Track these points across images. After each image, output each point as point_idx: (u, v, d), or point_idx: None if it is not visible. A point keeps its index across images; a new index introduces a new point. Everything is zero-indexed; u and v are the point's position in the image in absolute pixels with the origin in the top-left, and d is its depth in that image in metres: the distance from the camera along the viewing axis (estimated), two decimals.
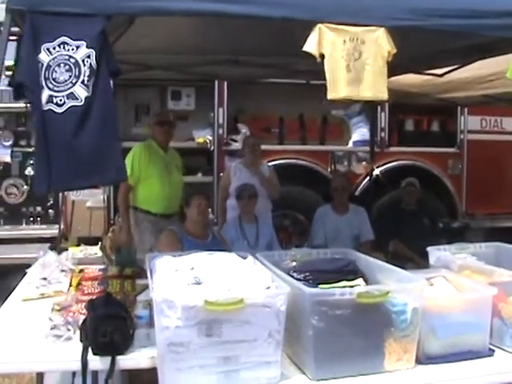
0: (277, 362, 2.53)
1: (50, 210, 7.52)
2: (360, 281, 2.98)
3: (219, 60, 5.50)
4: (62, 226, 7.21)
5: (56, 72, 2.74)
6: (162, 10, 2.81)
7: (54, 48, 2.74)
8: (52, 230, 7.28)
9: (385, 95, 3.20)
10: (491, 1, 3.23)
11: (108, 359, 2.68)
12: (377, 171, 8.19)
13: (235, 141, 7.90)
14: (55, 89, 2.75)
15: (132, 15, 2.84)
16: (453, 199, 8.61)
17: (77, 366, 2.68)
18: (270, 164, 7.04)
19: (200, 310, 2.38)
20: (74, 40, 2.73)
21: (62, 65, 2.74)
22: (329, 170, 8.17)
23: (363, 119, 8.46)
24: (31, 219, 7.50)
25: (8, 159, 7.36)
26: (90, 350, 2.71)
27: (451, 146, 8.71)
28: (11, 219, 7.46)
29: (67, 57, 2.74)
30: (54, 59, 2.74)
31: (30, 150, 7.34)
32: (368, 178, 8.12)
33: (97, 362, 2.70)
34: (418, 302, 2.71)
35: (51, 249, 4.80)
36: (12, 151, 7.37)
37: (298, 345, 2.68)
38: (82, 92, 2.74)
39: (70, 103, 2.74)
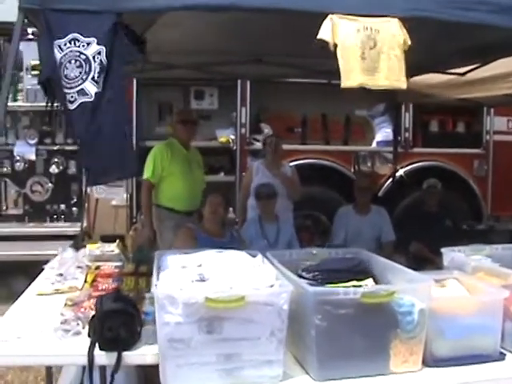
0: (279, 361, 2.50)
1: (74, 208, 7.61)
2: (369, 281, 2.94)
3: (242, 60, 5.52)
4: (84, 224, 7.27)
5: (67, 69, 2.74)
6: (171, 7, 2.82)
7: (65, 44, 2.73)
8: (75, 228, 7.29)
9: (403, 84, 3.04)
10: None
11: (114, 355, 2.67)
12: (400, 172, 8.12)
13: (258, 140, 7.88)
14: (67, 86, 2.75)
15: (141, 12, 2.84)
16: (478, 201, 8.48)
17: (84, 360, 2.68)
18: (292, 164, 7.00)
19: (201, 306, 2.37)
20: (84, 37, 2.73)
21: (72, 61, 2.73)
22: (352, 170, 8.12)
23: (387, 119, 8.39)
24: (55, 217, 7.59)
25: (33, 157, 7.45)
26: (96, 345, 2.71)
27: (477, 147, 8.59)
28: (35, 216, 7.56)
29: (78, 53, 2.72)
30: (64, 56, 2.74)
31: (55, 148, 7.50)
32: (391, 178, 8.04)
33: (103, 357, 2.70)
34: (425, 303, 2.65)
35: (73, 247, 4.82)
36: (37, 149, 7.45)
37: (302, 344, 2.65)
38: (91, 88, 2.72)
39: (80, 99, 2.73)
